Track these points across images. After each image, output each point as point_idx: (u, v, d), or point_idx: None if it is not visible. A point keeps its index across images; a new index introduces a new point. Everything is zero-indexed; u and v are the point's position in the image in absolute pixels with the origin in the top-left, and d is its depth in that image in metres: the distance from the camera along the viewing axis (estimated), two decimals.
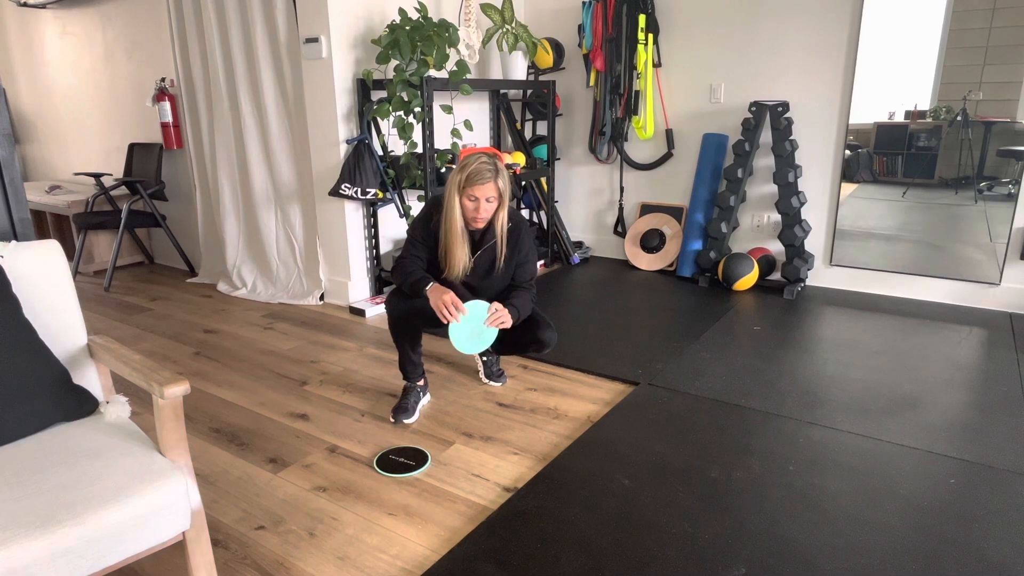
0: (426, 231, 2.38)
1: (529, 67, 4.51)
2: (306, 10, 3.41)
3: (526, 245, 2.43)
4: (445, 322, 2.25)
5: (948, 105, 3.47)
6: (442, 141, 4.02)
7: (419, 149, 3.61)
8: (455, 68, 3.49)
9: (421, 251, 2.39)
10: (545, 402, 2.61)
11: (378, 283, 3.89)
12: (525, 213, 4.97)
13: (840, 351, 3.02)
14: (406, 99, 3.34)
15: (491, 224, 2.35)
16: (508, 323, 2.30)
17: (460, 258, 2.32)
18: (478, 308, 2.27)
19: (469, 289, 2.47)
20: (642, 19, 4.08)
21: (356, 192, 3.47)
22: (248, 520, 1.91)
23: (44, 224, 5.17)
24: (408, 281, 2.33)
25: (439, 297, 2.24)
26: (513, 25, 4.01)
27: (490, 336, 2.32)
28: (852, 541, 1.75)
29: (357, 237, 3.75)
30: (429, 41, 3.31)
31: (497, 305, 2.30)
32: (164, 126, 4.35)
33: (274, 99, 3.72)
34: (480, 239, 2.39)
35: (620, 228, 4.68)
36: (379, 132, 3.67)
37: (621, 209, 4.63)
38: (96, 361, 1.72)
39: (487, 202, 2.25)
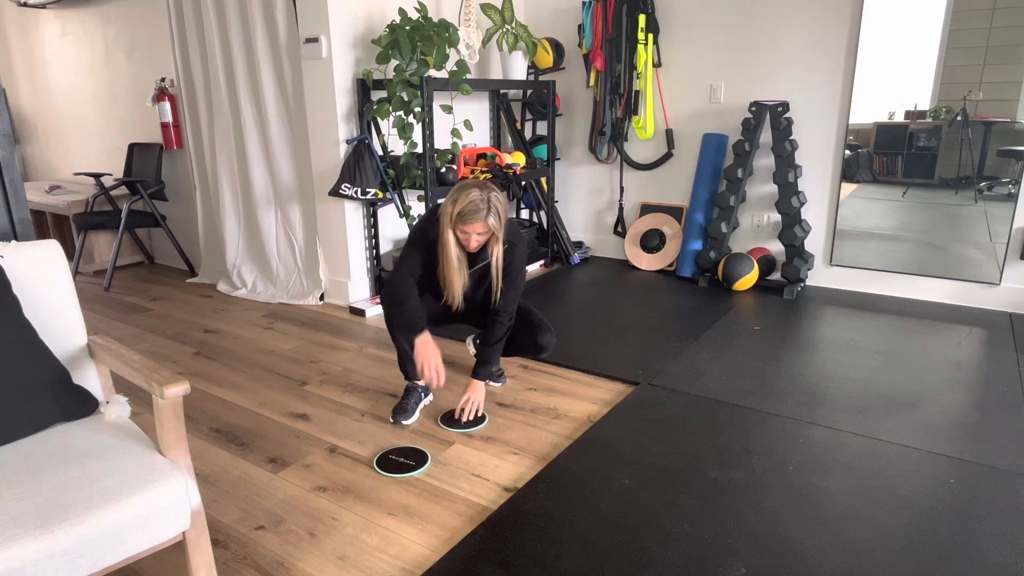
0: (426, 241, 2.34)
1: (529, 67, 4.51)
2: (306, 10, 3.41)
3: (515, 267, 2.38)
4: (420, 376, 2.35)
5: (948, 105, 3.47)
6: (442, 141, 4.02)
7: (419, 149, 3.61)
8: (455, 68, 3.49)
9: (417, 266, 2.35)
10: (545, 402, 2.61)
11: (378, 283, 3.89)
12: (525, 213, 4.97)
13: (840, 351, 3.02)
14: (406, 99, 3.34)
15: (487, 245, 2.34)
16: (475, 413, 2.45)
17: (458, 289, 2.33)
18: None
19: (465, 301, 2.47)
20: (642, 19, 4.08)
21: (356, 192, 3.47)
22: (248, 520, 1.91)
23: (44, 224, 5.17)
24: (402, 320, 2.37)
25: (427, 358, 2.30)
26: (513, 25, 4.01)
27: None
28: (852, 541, 1.75)
29: (357, 237, 3.75)
30: (429, 41, 3.31)
31: (464, 404, 2.45)
32: (164, 126, 4.35)
33: (274, 99, 3.72)
34: (478, 253, 2.37)
35: (620, 228, 4.68)
36: (379, 132, 3.67)
37: (621, 209, 4.63)
38: (96, 361, 1.72)
39: (478, 235, 2.24)
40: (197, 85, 4.02)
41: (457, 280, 2.30)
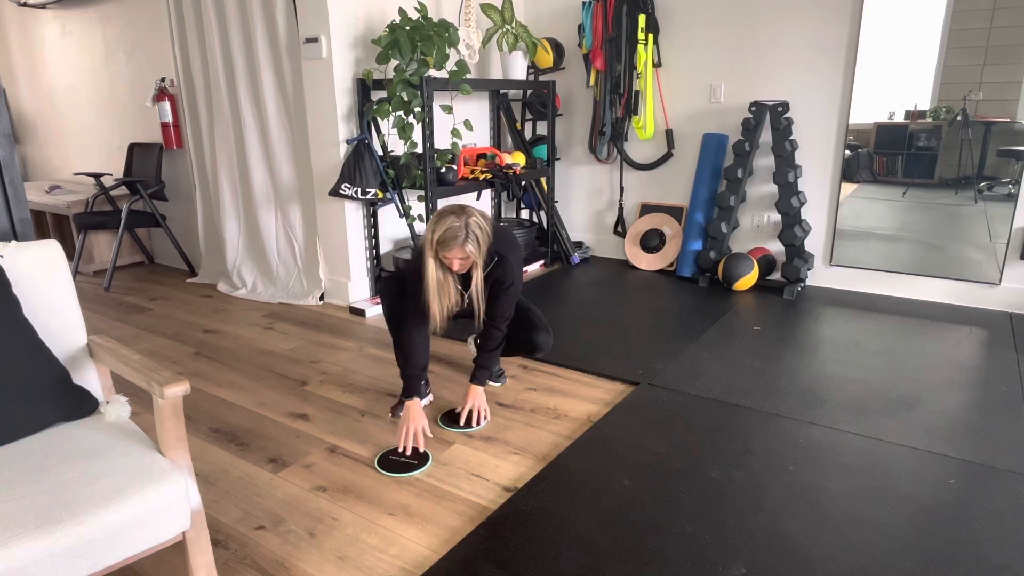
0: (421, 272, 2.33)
1: (529, 67, 4.51)
2: (306, 10, 3.41)
3: (508, 278, 2.36)
4: (395, 442, 2.29)
5: (948, 105, 3.47)
6: (442, 141, 4.02)
7: (419, 149, 3.61)
8: (455, 68, 3.49)
9: (420, 293, 2.33)
10: (545, 402, 2.61)
11: (378, 283, 3.89)
12: (525, 213, 4.97)
13: (840, 351, 3.02)
14: (406, 99, 3.34)
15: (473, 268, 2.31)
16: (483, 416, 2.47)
17: (437, 314, 2.30)
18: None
19: (464, 315, 2.48)
20: (642, 19, 4.08)
21: (356, 192, 3.47)
22: (248, 520, 1.91)
23: (44, 224, 5.17)
24: (401, 363, 2.39)
25: (410, 424, 2.26)
26: (513, 25, 4.01)
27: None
28: (852, 541, 1.75)
29: (357, 237, 3.75)
30: (429, 41, 3.31)
31: (469, 408, 2.44)
32: (164, 126, 4.35)
33: (274, 99, 3.72)
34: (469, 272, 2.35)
35: (620, 228, 4.68)
36: (379, 132, 3.67)
37: (621, 209, 4.63)
38: (96, 361, 1.72)
39: (460, 260, 2.23)
40: (197, 85, 4.02)
41: (436, 304, 2.29)
